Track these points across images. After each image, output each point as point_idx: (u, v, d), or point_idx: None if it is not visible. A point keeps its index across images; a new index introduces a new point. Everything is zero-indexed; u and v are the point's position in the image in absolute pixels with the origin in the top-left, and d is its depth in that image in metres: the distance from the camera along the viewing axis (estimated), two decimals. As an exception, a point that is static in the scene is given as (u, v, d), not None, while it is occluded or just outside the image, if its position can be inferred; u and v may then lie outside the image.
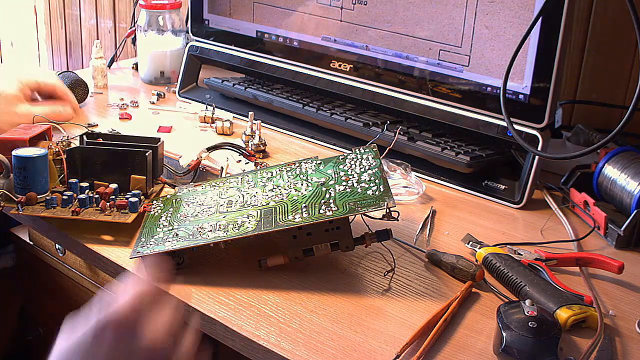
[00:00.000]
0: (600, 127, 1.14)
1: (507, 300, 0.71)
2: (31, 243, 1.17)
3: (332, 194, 0.76)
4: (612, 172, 0.90)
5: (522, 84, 0.93)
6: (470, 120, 0.99)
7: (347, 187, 0.77)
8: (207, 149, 0.99)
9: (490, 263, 0.77)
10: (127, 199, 0.83)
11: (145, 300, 0.57)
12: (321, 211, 0.73)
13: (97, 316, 0.55)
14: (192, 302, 0.71)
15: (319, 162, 0.85)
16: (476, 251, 0.80)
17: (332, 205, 0.74)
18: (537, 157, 0.93)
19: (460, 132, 1.01)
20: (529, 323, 0.62)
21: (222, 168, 0.97)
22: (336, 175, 0.80)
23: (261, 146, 1.07)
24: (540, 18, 0.88)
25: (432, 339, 0.65)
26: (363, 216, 0.77)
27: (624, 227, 0.84)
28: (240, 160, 1.01)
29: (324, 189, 0.78)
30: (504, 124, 0.96)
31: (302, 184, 0.80)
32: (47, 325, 1.18)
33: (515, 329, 0.62)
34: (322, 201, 0.75)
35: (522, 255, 0.79)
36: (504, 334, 0.62)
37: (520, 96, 0.94)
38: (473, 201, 0.97)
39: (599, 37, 1.17)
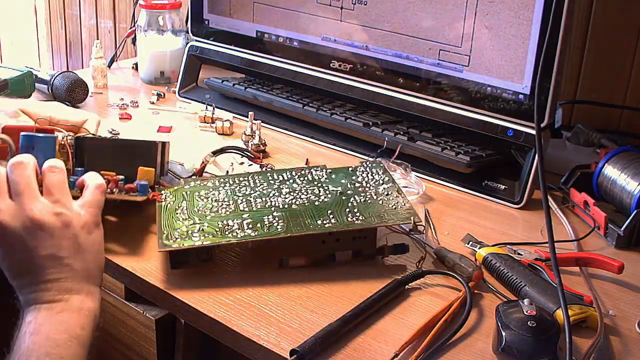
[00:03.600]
0: (600, 127, 1.14)
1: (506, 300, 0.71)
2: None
3: (355, 204, 0.78)
4: (612, 172, 0.90)
5: (522, 84, 0.93)
6: (470, 120, 0.99)
7: (366, 198, 0.79)
8: (212, 152, 0.96)
9: (490, 263, 0.77)
10: (136, 184, 0.81)
11: None
12: (349, 219, 0.75)
13: None
14: (192, 302, 0.71)
15: (329, 170, 0.86)
16: (476, 251, 0.80)
17: (357, 214, 0.76)
18: (536, 157, 0.93)
19: (460, 132, 1.01)
20: (528, 322, 0.62)
21: (227, 172, 0.96)
22: (352, 186, 0.82)
23: (261, 146, 1.06)
24: (542, 17, 0.88)
25: (431, 339, 0.65)
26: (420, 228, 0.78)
27: (624, 227, 0.84)
28: (243, 162, 1.00)
29: (343, 198, 0.80)
30: (504, 124, 0.96)
31: (318, 191, 0.81)
32: (47, 325, 1.17)
33: (514, 328, 0.62)
34: (347, 210, 0.77)
35: (522, 255, 0.79)
36: (503, 334, 0.62)
37: (520, 96, 0.94)
38: (473, 201, 0.97)
39: (599, 37, 1.17)
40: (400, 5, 1.03)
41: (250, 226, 0.75)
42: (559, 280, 0.65)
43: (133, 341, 0.96)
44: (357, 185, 0.83)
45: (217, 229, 0.75)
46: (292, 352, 0.62)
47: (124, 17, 1.97)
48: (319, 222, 0.75)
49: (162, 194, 0.84)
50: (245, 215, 0.78)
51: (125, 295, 0.95)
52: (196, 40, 1.32)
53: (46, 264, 0.64)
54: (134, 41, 1.52)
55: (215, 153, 0.97)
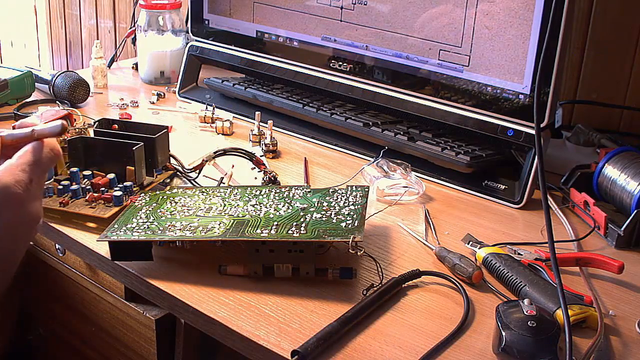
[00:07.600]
0: (600, 127, 1.14)
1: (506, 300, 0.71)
2: (31, 243, 1.17)
3: (307, 220, 0.76)
4: (612, 172, 0.90)
5: (522, 84, 0.93)
6: (470, 120, 0.99)
7: (324, 216, 0.77)
8: (214, 152, 0.95)
9: (490, 263, 0.77)
10: (111, 195, 0.84)
11: None
12: (289, 232, 0.73)
13: None
14: (192, 302, 0.71)
15: (308, 190, 0.85)
16: (476, 251, 0.80)
17: (302, 228, 0.74)
18: (536, 157, 0.93)
19: (460, 132, 1.01)
20: (528, 322, 0.62)
21: (221, 178, 0.96)
22: (319, 205, 0.80)
23: (272, 146, 1.06)
24: (542, 17, 0.88)
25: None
26: (357, 249, 0.72)
27: (624, 227, 0.84)
28: (254, 168, 0.98)
29: (301, 214, 0.78)
30: (504, 123, 0.96)
31: (283, 206, 0.80)
32: (47, 325, 1.18)
33: (514, 328, 0.62)
34: (295, 223, 0.75)
35: (522, 255, 0.79)
36: (504, 334, 0.62)
37: (520, 96, 0.94)
38: (473, 201, 0.97)
39: (599, 37, 1.17)
40: (400, 5, 1.03)
41: (192, 228, 0.75)
42: (559, 280, 0.65)
43: (133, 341, 0.96)
44: (324, 204, 0.80)
45: (160, 229, 0.75)
46: (294, 353, 0.62)
47: (124, 17, 1.96)
48: (258, 231, 0.74)
49: (140, 196, 0.85)
50: (195, 219, 0.78)
51: (125, 295, 0.95)
52: (196, 40, 1.32)
53: None
54: (134, 41, 1.52)
55: (217, 153, 0.95)
